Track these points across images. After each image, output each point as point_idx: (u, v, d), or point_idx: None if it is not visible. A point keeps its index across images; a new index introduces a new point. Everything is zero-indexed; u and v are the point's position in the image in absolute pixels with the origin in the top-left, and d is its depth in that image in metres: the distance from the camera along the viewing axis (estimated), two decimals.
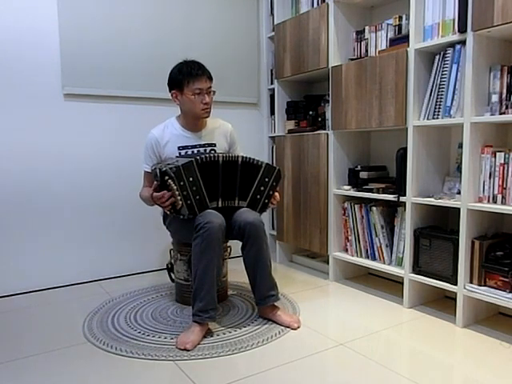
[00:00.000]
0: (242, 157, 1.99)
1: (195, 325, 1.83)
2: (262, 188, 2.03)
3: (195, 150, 2.13)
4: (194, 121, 2.12)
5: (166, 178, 1.86)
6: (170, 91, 2.10)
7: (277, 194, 2.10)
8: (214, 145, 2.18)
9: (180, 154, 2.10)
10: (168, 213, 1.97)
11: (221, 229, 1.86)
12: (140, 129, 2.74)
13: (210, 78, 2.07)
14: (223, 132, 2.23)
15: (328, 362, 1.64)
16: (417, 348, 1.75)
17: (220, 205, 1.97)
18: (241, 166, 1.99)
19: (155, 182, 1.92)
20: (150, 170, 2.09)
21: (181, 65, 2.06)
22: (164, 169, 1.86)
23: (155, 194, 1.91)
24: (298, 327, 1.95)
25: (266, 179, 2.02)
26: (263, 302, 1.99)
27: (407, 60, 2.07)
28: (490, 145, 1.91)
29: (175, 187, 1.85)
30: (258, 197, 2.04)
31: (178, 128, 2.15)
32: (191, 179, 1.88)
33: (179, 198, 1.87)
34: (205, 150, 2.15)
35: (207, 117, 2.12)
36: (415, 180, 2.12)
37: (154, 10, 2.71)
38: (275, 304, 2.01)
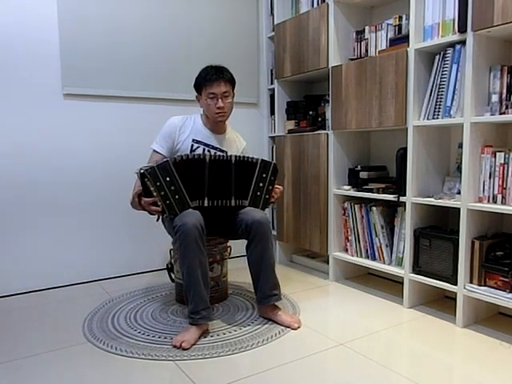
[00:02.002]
0: (236, 156, 2.00)
1: (191, 325, 1.84)
2: (261, 184, 2.03)
3: (206, 149, 2.15)
4: (213, 123, 2.16)
5: (145, 179, 1.86)
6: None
7: (279, 186, 2.10)
8: (226, 152, 2.19)
9: (192, 146, 2.13)
10: (151, 215, 1.96)
11: (196, 227, 1.83)
12: (140, 129, 2.74)
13: (229, 82, 2.09)
14: (238, 146, 2.28)
15: (328, 362, 1.64)
16: (417, 348, 1.75)
17: (206, 204, 1.97)
18: (235, 165, 1.99)
19: (139, 187, 1.92)
20: (159, 151, 2.10)
21: (202, 69, 2.11)
22: (142, 171, 1.86)
23: (145, 199, 1.90)
24: (299, 327, 1.95)
25: (264, 175, 2.03)
26: (265, 300, 1.99)
27: (407, 60, 2.07)
28: (490, 145, 1.91)
29: (152, 188, 1.85)
30: (259, 193, 2.04)
31: (200, 124, 2.18)
32: (168, 179, 1.87)
33: (157, 198, 1.86)
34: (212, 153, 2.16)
35: (222, 121, 2.14)
36: (415, 180, 2.12)
37: (154, 10, 2.71)
38: (276, 304, 2.02)
